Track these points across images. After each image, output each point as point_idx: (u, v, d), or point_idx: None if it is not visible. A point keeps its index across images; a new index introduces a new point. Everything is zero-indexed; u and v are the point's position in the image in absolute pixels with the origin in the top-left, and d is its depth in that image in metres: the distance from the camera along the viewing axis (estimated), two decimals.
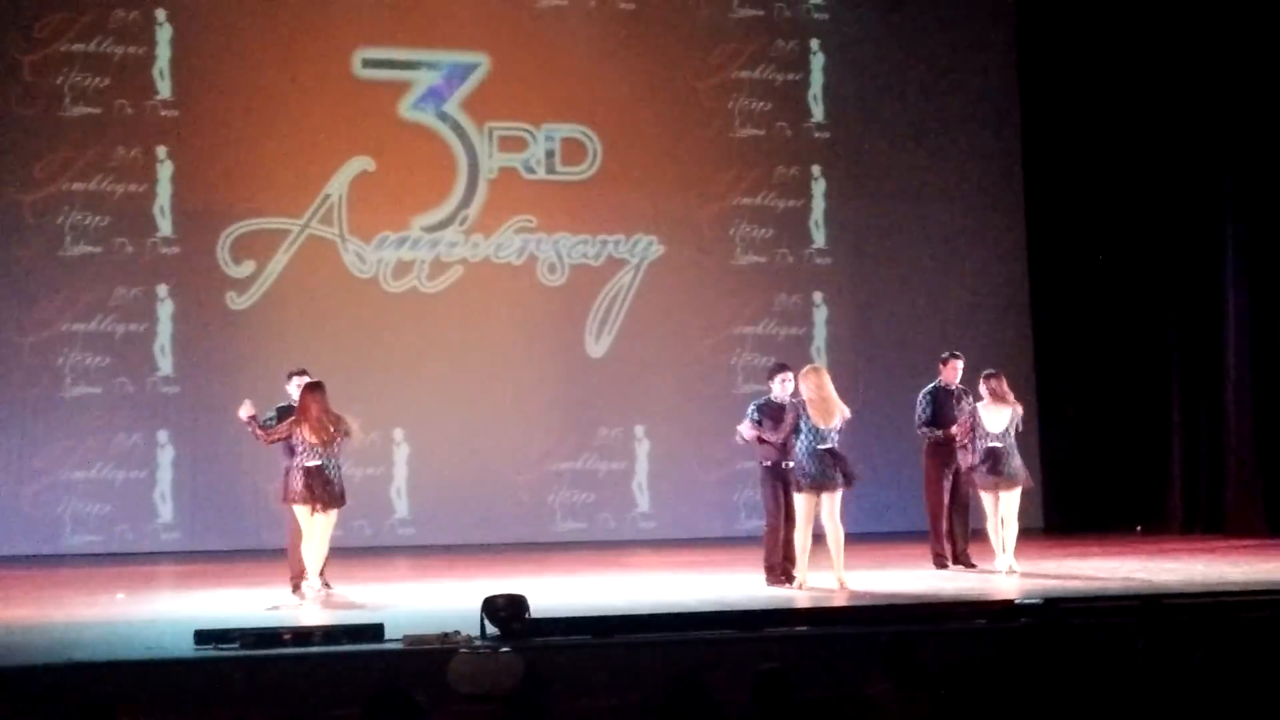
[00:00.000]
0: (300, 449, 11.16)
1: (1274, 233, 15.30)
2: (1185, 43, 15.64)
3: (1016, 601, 9.94)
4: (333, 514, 11.29)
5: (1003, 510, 12.19)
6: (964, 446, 12.41)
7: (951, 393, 12.76)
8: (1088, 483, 16.34)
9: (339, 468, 11.34)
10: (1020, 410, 12.38)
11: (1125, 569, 12.56)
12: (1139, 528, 15.97)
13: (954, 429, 12.49)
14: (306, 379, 11.55)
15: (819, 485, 11.32)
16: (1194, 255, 15.80)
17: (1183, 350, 15.95)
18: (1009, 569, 12.13)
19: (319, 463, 11.15)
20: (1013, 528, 12.20)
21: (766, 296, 16.36)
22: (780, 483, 11.71)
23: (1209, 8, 15.44)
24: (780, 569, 11.64)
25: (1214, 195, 15.66)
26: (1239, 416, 15.41)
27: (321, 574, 11.29)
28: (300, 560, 11.31)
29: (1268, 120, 15.19)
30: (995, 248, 16.79)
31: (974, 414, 12.27)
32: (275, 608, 10.77)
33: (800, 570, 11.42)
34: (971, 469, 12.32)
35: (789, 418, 11.47)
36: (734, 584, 11.83)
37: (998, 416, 12.21)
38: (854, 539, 11.71)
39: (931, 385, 12.89)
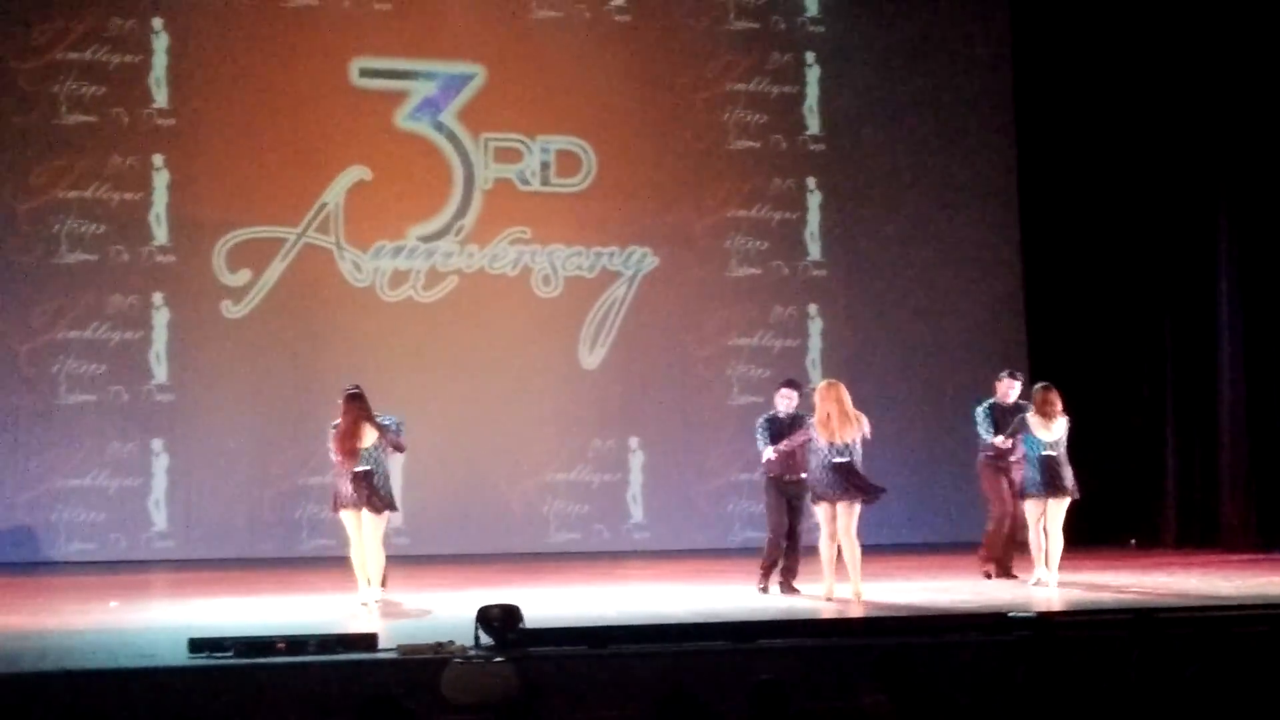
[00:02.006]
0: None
1: (1269, 247, 15.34)
2: (1180, 55, 15.68)
3: (1010, 615, 9.95)
4: (383, 520, 11.48)
5: (1049, 522, 12.22)
6: (1017, 461, 12.46)
7: (1007, 409, 12.77)
8: (1082, 495, 16.34)
9: (387, 475, 11.55)
10: (1068, 422, 12.37)
11: (1118, 582, 12.57)
12: (1132, 541, 15.98)
13: (998, 440, 12.54)
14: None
15: (831, 497, 11.40)
16: (1189, 268, 15.85)
17: (1177, 363, 15.98)
18: (1040, 581, 12.21)
19: (367, 467, 11.30)
20: (1058, 540, 12.20)
21: (761, 309, 16.37)
22: (783, 496, 11.86)
23: (1203, 22, 15.49)
24: (767, 574, 11.92)
25: (1209, 210, 15.70)
26: (1233, 430, 15.44)
27: (383, 583, 11.52)
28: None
29: (1262, 132, 15.23)
30: (990, 260, 16.80)
31: (1023, 425, 12.30)
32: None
33: (826, 580, 11.53)
34: (1022, 478, 12.35)
35: (799, 433, 11.62)
36: (728, 595, 11.85)
37: (1051, 427, 12.24)
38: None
39: (988, 401, 12.93)
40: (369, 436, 11.39)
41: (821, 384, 11.81)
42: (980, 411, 12.91)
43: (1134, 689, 6.84)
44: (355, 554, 11.42)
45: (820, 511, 11.55)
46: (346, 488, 11.37)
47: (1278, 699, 6.70)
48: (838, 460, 11.35)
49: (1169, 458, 16.01)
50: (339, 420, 11.52)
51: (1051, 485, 12.17)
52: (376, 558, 11.44)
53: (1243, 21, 15.23)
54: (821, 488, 11.45)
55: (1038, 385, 12.53)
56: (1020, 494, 12.43)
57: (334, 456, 11.52)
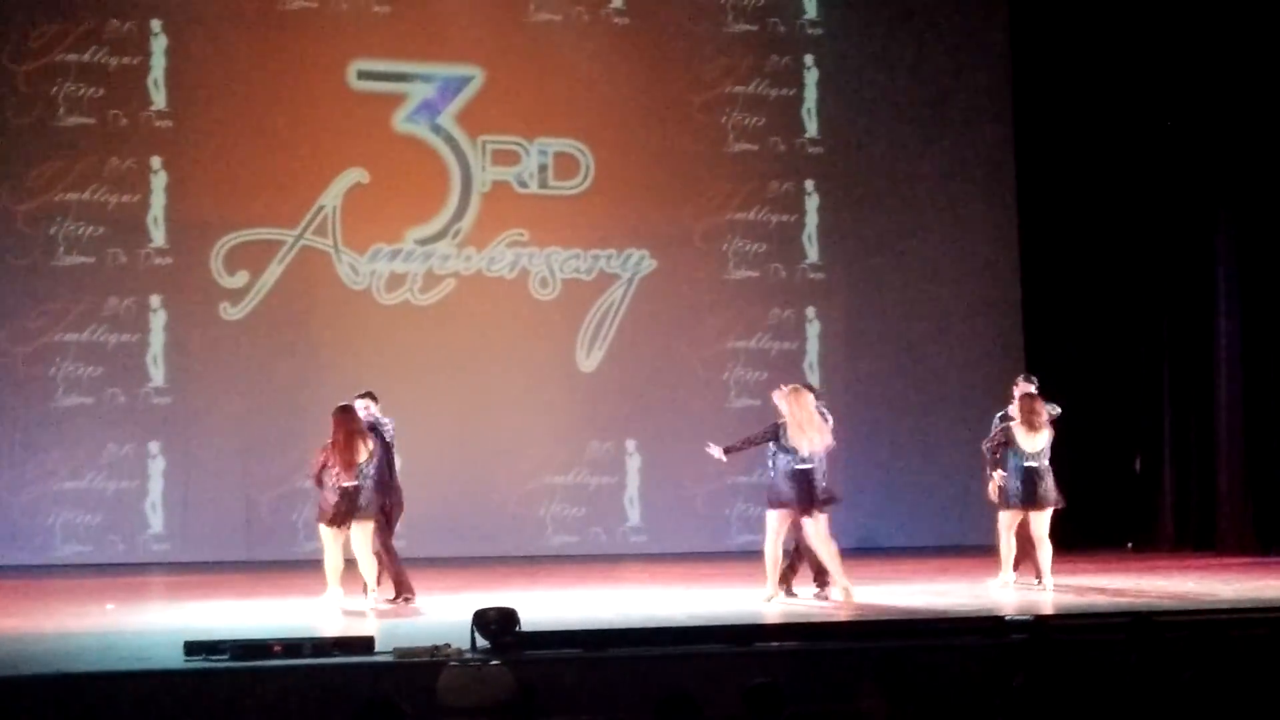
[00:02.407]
0: (334, 470, 11.42)
1: (1266, 250, 15.34)
2: (1181, 63, 15.69)
3: (1006, 618, 9.95)
4: (370, 528, 11.51)
5: (1035, 531, 12.17)
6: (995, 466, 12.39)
7: None
8: (1078, 499, 16.32)
9: (372, 488, 11.54)
10: (1052, 432, 12.27)
11: (1115, 585, 12.56)
12: (1129, 544, 15.97)
13: (990, 488, 12.45)
14: (365, 401, 11.77)
15: (794, 506, 11.34)
16: (1186, 273, 15.85)
17: (1174, 366, 15.98)
18: (1005, 583, 12.22)
19: (355, 483, 11.38)
20: (1047, 547, 12.17)
21: (759, 311, 16.36)
22: None
23: (1202, 22, 15.50)
24: (817, 579, 11.77)
25: (1207, 212, 15.71)
26: (1230, 433, 15.44)
27: (379, 585, 11.64)
28: (396, 570, 11.75)
29: (1261, 135, 15.23)
30: (988, 263, 16.78)
31: (1006, 433, 12.24)
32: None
33: (769, 585, 11.48)
34: (1002, 488, 12.27)
35: (762, 432, 11.59)
36: (725, 598, 11.84)
37: (1034, 437, 12.15)
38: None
39: (1004, 410, 12.77)
40: (364, 451, 11.43)
41: (788, 389, 11.59)
42: (995, 421, 12.76)
43: (1131, 692, 6.84)
44: (330, 561, 11.45)
45: (774, 516, 11.43)
46: (332, 498, 11.40)
47: (1276, 702, 6.70)
48: (800, 467, 11.29)
49: (1166, 460, 16.01)
50: (333, 436, 11.48)
51: (1031, 497, 12.10)
52: (368, 565, 11.50)
53: (1242, 21, 15.22)
54: (783, 495, 11.34)
55: (1022, 394, 12.44)
56: (1001, 503, 12.36)
57: (330, 475, 11.44)
